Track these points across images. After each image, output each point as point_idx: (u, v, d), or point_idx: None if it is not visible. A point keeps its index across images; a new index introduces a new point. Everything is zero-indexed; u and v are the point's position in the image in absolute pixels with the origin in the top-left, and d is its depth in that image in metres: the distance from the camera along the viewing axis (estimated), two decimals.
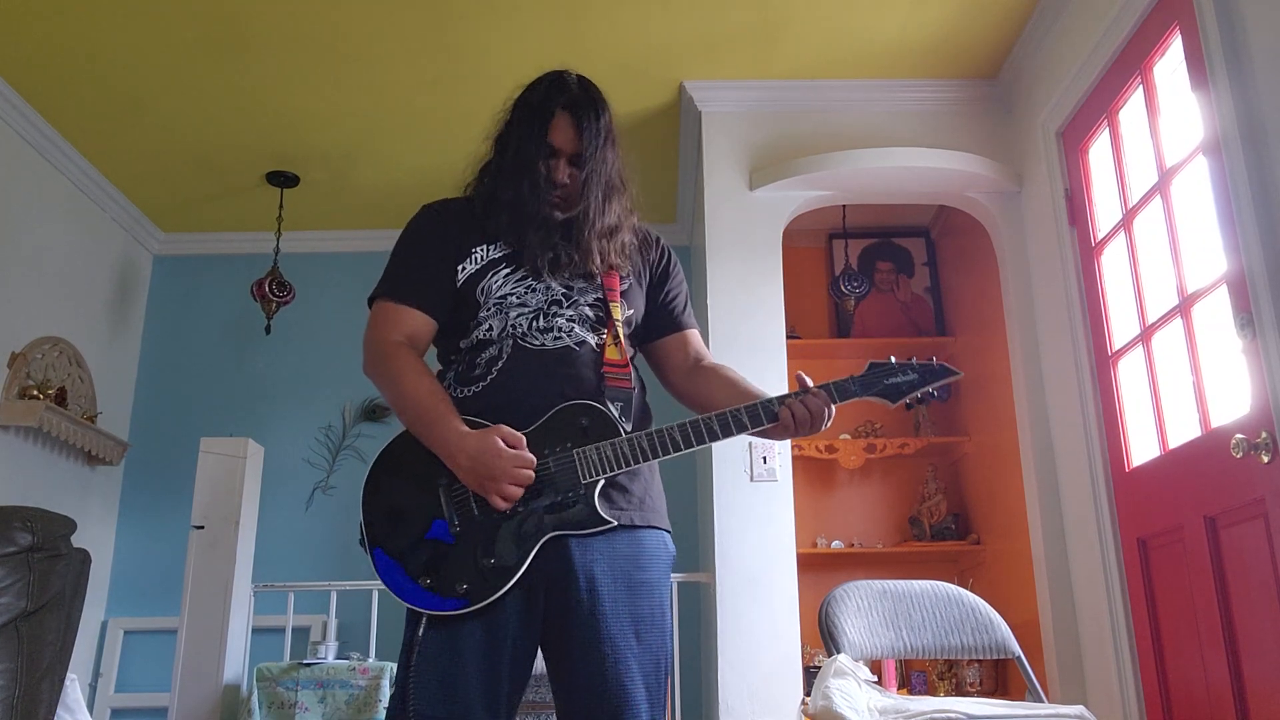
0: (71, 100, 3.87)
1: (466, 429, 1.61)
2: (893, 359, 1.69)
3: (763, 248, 3.72)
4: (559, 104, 1.74)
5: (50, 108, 3.92)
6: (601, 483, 1.61)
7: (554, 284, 1.73)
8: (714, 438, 1.62)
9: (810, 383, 1.66)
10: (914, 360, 1.70)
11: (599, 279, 1.76)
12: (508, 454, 1.57)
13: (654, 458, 1.62)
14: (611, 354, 1.71)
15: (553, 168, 1.73)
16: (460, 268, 1.74)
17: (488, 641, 1.57)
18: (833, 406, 1.64)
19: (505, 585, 1.56)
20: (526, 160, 1.72)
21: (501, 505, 1.57)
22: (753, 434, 1.66)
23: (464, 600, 1.56)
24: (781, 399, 1.64)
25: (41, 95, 3.84)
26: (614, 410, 1.64)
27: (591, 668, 1.57)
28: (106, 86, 3.78)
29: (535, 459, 1.59)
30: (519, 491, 1.57)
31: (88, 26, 3.43)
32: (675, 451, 1.61)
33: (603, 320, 1.73)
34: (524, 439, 1.60)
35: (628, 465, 1.61)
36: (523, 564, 1.57)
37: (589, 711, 1.57)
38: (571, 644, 1.59)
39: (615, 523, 1.60)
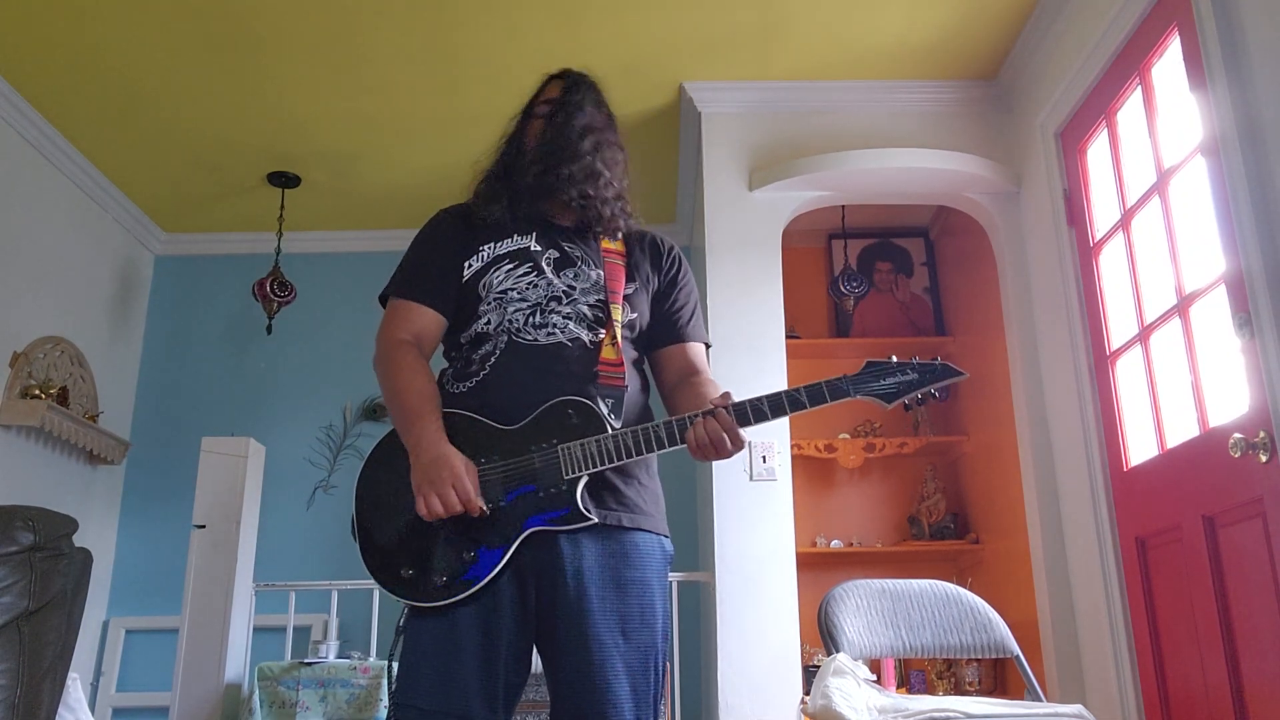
0: (73, 100, 3.88)
1: (441, 435, 1.62)
2: (893, 358, 1.61)
3: (762, 248, 3.73)
4: (550, 76, 1.90)
5: (51, 108, 3.93)
6: (585, 479, 1.60)
7: (556, 280, 1.74)
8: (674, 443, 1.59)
9: (730, 399, 1.59)
10: (915, 359, 1.61)
11: (604, 281, 1.76)
12: (455, 470, 1.57)
13: (638, 454, 1.60)
14: (608, 353, 1.71)
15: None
16: (467, 264, 1.77)
17: (484, 635, 1.59)
18: (739, 432, 1.57)
19: (484, 579, 1.57)
20: (518, 129, 1.87)
21: (420, 510, 1.57)
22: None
23: (442, 592, 1.58)
24: (693, 416, 1.59)
25: (43, 95, 3.85)
26: (603, 407, 1.64)
27: (577, 665, 1.58)
28: (108, 86, 3.78)
29: (475, 488, 1.57)
30: (439, 509, 1.56)
31: (89, 26, 3.44)
32: (660, 449, 1.60)
33: (601, 320, 1.74)
34: (477, 478, 1.59)
35: (611, 461, 1.59)
36: (501, 558, 1.58)
37: (575, 709, 1.58)
38: (559, 641, 1.61)
39: (595, 519, 1.59)
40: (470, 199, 1.86)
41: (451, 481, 1.56)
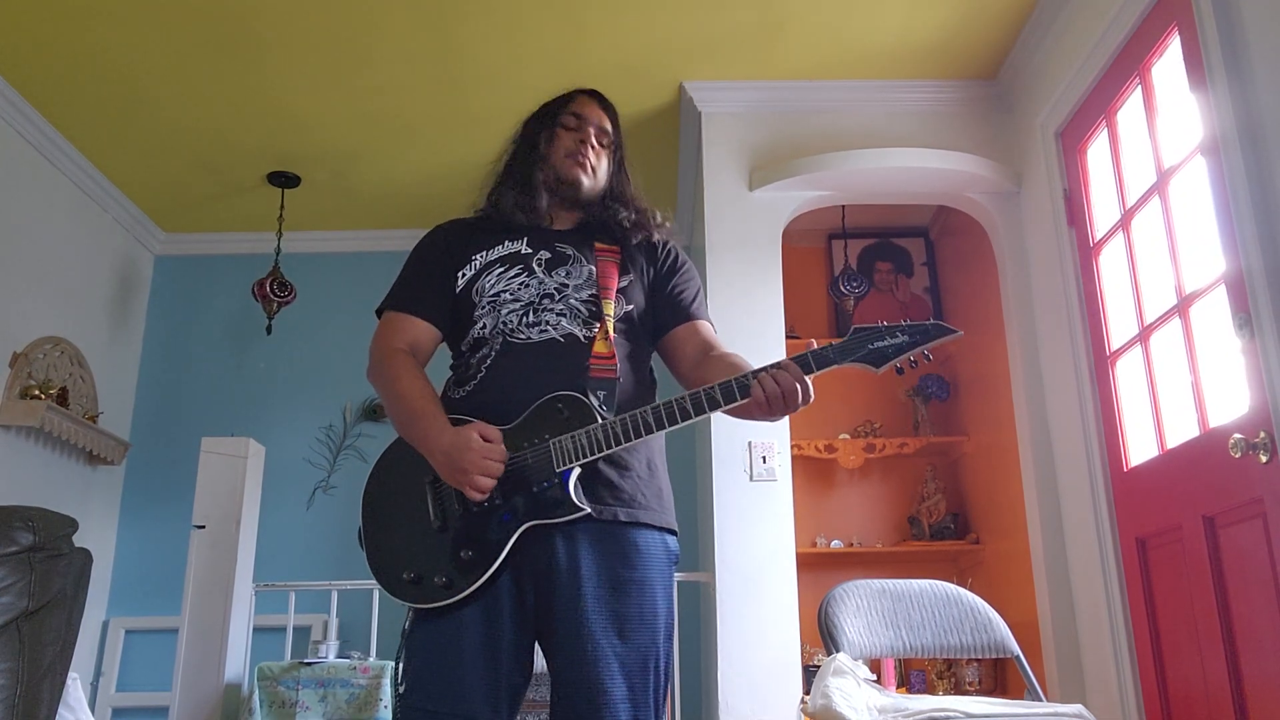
0: (72, 100, 3.87)
1: (447, 425, 1.63)
2: (882, 322, 1.57)
3: (762, 248, 3.73)
4: (578, 91, 1.92)
5: (51, 107, 3.93)
6: (577, 470, 1.60)
7: (547, 279, 1.76)
8: (686, 417, 1.54)
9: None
10: (906, 320, 1.57)
11: (596, 277, 1.77)
12: (478, 446, 1.57)
13: (627, 440, 1.57)
14: (599, 347, 1.71)
15: (576, 139, 1.85)
16: (460, 274, 1.79)
17: (486, 635, 1.59)
18: (807, 381, 1.52)
19: (482, 577, 1.58)
20: (534, 136, 1.89)
21: (474, 496, 1.58)
22: (729, 413, 1.56)
23: (443, 593, 1.59)
24: (755, 373, 1.54)
25: (42, 95, 3.84)
26: (594, 399, 1.63)
27: (573, 664, 1.58)
28: (108, 86, 3.78)
29: (506, 451, 1.59)
30: (489, 483, 1.57)
31: (89, 26, 3.43)
32: (649, 433, 1.56)
33: (595, 315, 1.74)
34: (499, 434, 1.61)
35: (601, 450, 1.58)
36: (499, 555, 1.58)
37: (570, 707, 1.58)
38: (556, 641, 1.61)
39: (587, 510, 1.59)
40: (487, 201, 1.89)
41: (482, 455, 1.57)
